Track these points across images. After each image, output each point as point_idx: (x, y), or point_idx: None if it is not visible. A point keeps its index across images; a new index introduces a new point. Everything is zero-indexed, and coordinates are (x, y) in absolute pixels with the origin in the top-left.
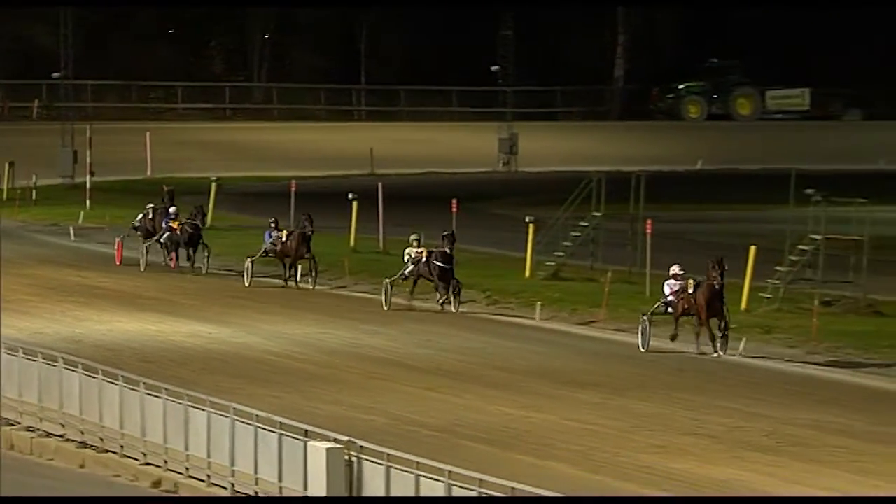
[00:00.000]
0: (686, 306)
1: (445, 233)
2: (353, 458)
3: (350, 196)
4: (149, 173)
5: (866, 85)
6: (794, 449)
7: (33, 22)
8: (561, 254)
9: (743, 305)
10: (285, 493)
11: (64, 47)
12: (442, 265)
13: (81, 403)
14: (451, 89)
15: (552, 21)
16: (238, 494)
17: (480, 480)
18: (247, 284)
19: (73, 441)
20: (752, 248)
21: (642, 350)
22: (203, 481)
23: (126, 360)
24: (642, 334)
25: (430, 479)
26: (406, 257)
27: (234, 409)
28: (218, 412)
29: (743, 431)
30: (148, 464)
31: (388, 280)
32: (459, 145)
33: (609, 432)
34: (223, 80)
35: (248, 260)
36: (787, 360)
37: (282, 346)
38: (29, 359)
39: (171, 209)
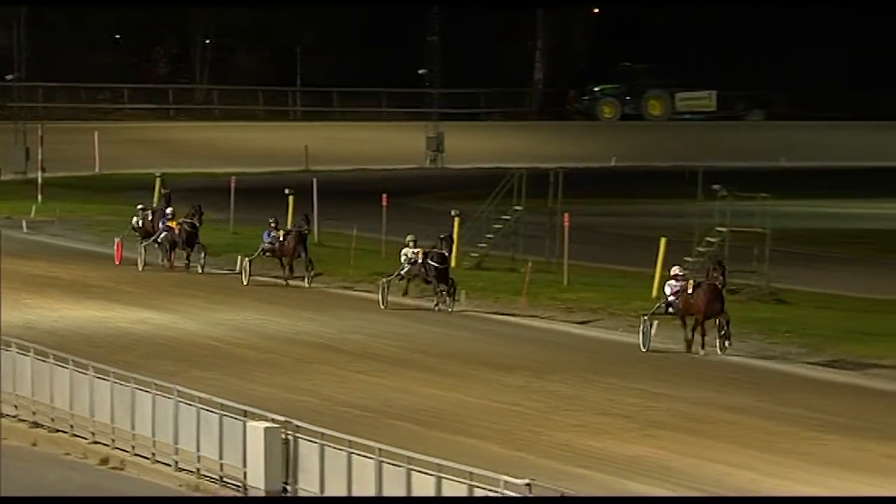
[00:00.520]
0: (684, 306)
1: (442, 235)
2: (290, 437)
3: (286, 191)
4: (97, 170)
5: (768, 87)
6: (701, 427)
7: None
8: (484, 245)
9: (654, 293)
10: (225, 470)
11: (17, 51)
12: (437, 266)
13: (33, 386)
14: (381, 91)
15: (476, 27)
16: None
17: (409, 458)
18: (245, 283)
19: (25, 421)
20: (663, 240)
21: (643, 350)
22: (148, 459)
23: (76, 345)
24: (643, 335)
25: (362, 456)
26: (402, 257)
27: (178, 391)
28: (162, 394)
29: (652, 411)
30: (96, 442)
31: (384, 280)
32: (389, 144)
33: (530, 412)
34: (167, 83)
35: (246, 259)
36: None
37: (223, 332)
38: None
39: (168, 210)
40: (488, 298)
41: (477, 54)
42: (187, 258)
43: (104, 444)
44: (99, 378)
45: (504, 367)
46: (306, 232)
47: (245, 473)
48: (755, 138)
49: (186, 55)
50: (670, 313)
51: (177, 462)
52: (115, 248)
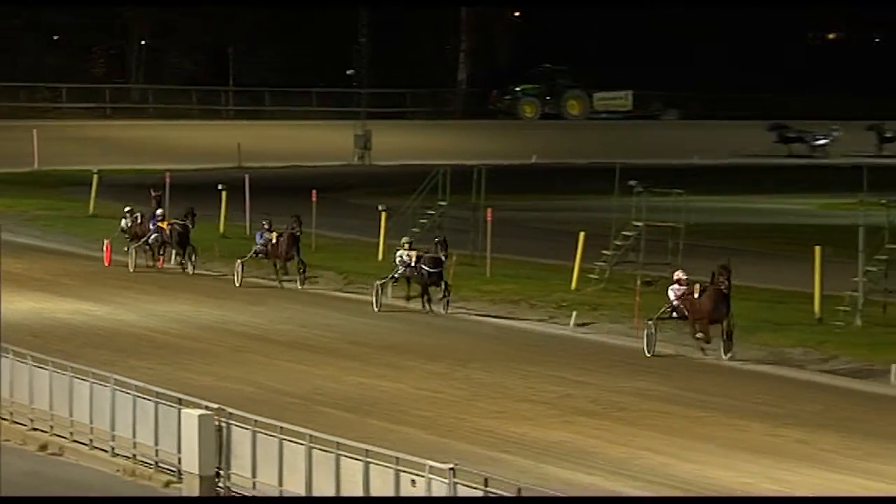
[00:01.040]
0: (690, 310)
1: (437, 238)
2: (223, 424)
3: (219, 187)
4: (36, 166)
5: (682, 88)
6: (618, 413)
7: None
8: (162, 210)
9: (573, 285)
10: (161, 456)
11: None
12: (430, 270)
13: None
14: (311, 91)
15: (403, 28)
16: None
17: (338, 443)
18: (237, 285)
19: None
20: (581, 234)
21: (648, 355)
22: (86, 445)
23: (16, 336)
24: (647, 339)
25: (293, 442)
26: (397, 259)
27: (115, 379)
28: (99, 382)
29: (572, 398)
30: (35, 429)
31: (378, 282)
32: (319, 141)
33: (454, 400)
34: (104, 82)
35: (239, 261)
36: (612, 334)
37: (158, 323)
38: None
39: (158, 211)
40: (414, 290)
41: (404, 55)
42: (181, 259)
43: (43, 431)
44: (38, 367)
45: (428, 356)
46: (299, 234)
47: (180, 459)
48: (670, 137)
49: (123, 56)
50: (675, 317)
51: (113, 448)
52: (105, 249)
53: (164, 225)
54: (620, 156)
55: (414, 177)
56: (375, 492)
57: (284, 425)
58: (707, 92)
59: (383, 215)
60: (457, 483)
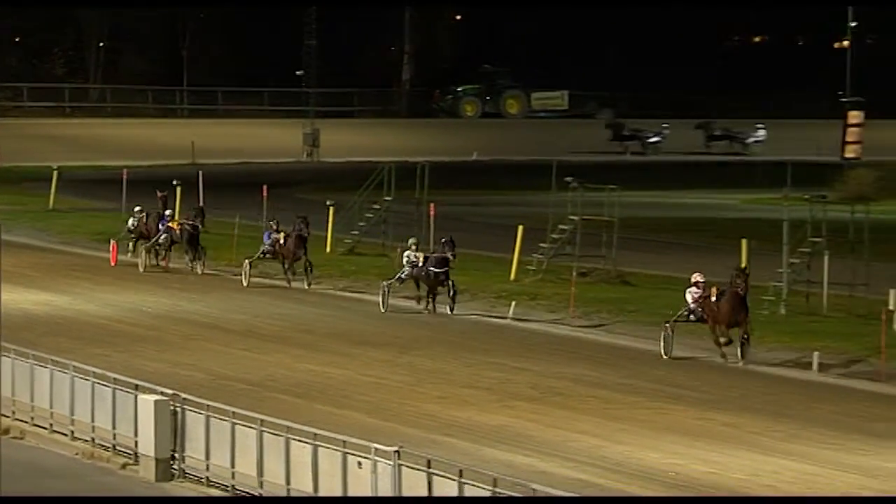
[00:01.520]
0: (708, 313)
1: (444, 238)
2: (178, 409)
3: (174, 182)
4: None
5: (615, 88)
6: (555, 398)
7: None
8: (356, 232)
9: (512, 276)
10: (118, 439)
11: None
12: (437, 270)
13: None
14: (262, 90)
15: (349, 30)
16: (100, 448)
17: (288, 427)
18: (245, 285)
19: None
20: (520, 228)
21: (665, 357)
22: (46, 429)
23: None
24: (664, 341)
25: (245, 426)
26: (404, 260)
27: (74, 366)
28: (59, 369)
29: (511, 384)
30: None
31: (385, 283)
32: (269, 139)
33: (398, 385)
34: (64, 82)
35: (246, 261)
36: (550, 323)
37: (115, 312)
38: None
39: (167, 212)
40: (360, 282)
41: (351, 57)
42: (191, 259)
43: (5, 416)
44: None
45: (374, 343)
46: (306, 234)
47: (136, 442)
48: (604, 135)
49: (82, 57)
50: (692, 320)
51: (73, 432)
52: (111, 249)
53: (174, 225)
54: (557, 153)
55: (360, 173)
56: (323, 474)
57: (237, 410)
58: (639, 92)
59: (331, 210)
60: (401, 465)
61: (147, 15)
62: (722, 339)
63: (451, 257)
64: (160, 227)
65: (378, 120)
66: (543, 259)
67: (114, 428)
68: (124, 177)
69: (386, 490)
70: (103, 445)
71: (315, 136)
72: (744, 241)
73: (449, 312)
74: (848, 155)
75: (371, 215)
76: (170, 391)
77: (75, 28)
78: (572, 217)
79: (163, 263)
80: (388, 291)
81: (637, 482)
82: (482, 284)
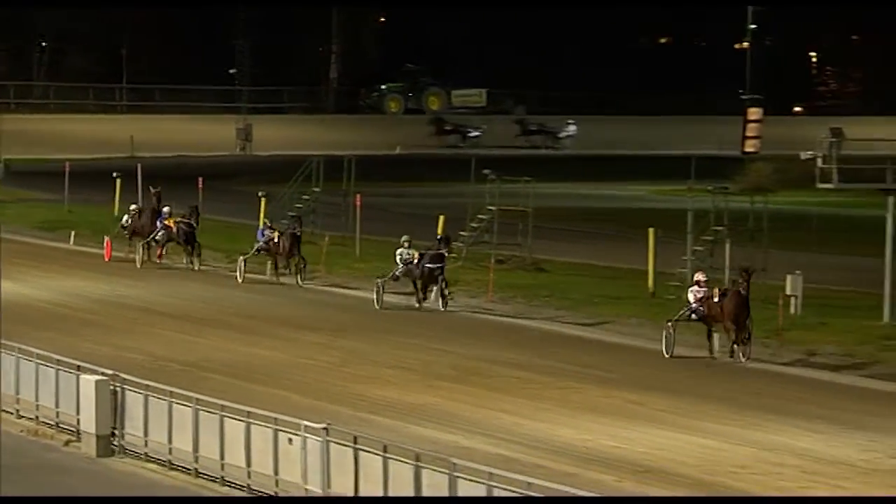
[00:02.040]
0: (710, 313)
1: (440, 236)
2: (118, 388)
3: (114, 174)
4: None
5: (529, 86)
6: (476, 378)
7: None
8: (286, 221)
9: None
10: (61, 417)
11: None
12: (431, 266)
13: None
14: (197, 88)
15: (280, 31)
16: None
17: (223, 406)
18: (240, 281)
19: None
20: (441, 218)
21: (666, 356)
22: None
23: None
24: (666, 340)
25: (181, 404)
26: (397, 258)
27: (19, 348)
28: (5, 352)
29: (435, 365)
30: None
31: (379, 280)
32: (204, 133)
33: (328, 366)
34: (8, 80)
35: (241, 258)
36: (470, 307)
37: (58, 298)
38: None
39: (165, 209)
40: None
41: (281, 56)
42: (190, 255)
43: None
44: None
45: (305, 327)
46: (299, 233)
47: (78, 420)
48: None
49: (26, 55)
50: (694, 319)
51: (18, 410)
52: (105, 245)
53: (171, 223)
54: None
55: (290, 166)
56: (256, 449)
57: (174, 389)
58: (553, 89)
59: (262, 201)
60: (329, 441)
61: (87, 15)
62: (731, 337)
63: (445, 254)
64: (158, 223)
65: (307, 116)
66: (463, 247)
67: (57, 406)
68: (66, 169)
69: (315, 465)
70: (47, 423)
71: (248, 130)
72: (651, 230)
73: (441, 309)
74: (748, 149)
75: (301, 205)
76: (110, 371)
77: (19, 28)
78: (490, 207)
79: (157, 259)
80: (383, 289)
81: (552, 456)
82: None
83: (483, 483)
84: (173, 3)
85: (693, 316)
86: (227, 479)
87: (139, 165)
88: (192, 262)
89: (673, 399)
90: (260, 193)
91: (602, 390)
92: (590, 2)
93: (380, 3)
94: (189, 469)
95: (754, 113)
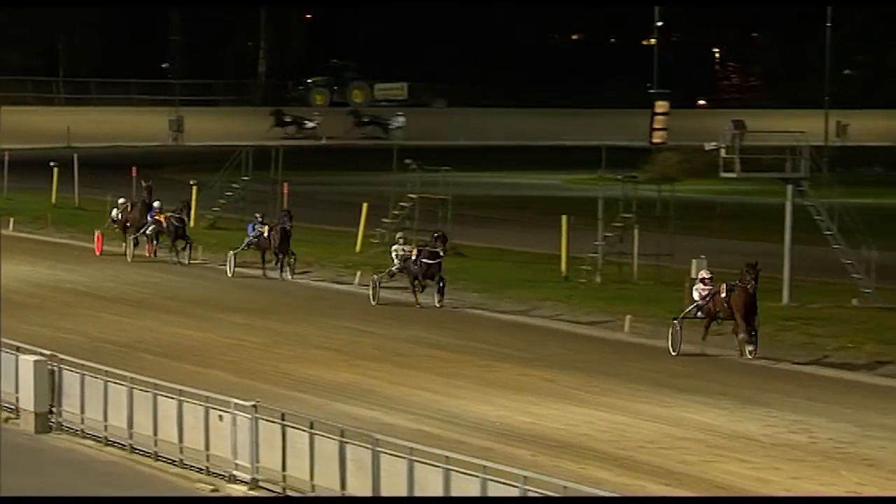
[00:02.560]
0: (717, 310)
1: (437, 233)
2: (55, 368)
3: (51, 164)
4: None
5: (449, 80)
6: (397, 358)
7: None
8: (217, 209)
9: (357, 248)
10: (2, 397)
11: None
12: (428, 261)
13: None
14: (132, 81)
15: (211, 27)
16: None
17: (156, 384)
18: (229, 275)
19: None
20: (365, 205)
21: (673, 354)
22: None
23: None
24: (672, 338)
25: (116, 383)
26: (393, 254)
27: None
28: None
29: (358, 345)
30: None
31: (375, 276)
32: (138, 125)
33: (256, 346)
34: None
35: (231, 252)
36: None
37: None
38: None
39: (155, 203)
40: (220, 253)
41: (212, 51)
42: (179, 249)
43: None
44: None
45: (233, 309)
46: (289, 228)
47: (17, 398)
48: (439, 121)
49: None
50: (700, 317)
51: None
52: (96, 239)
53: (161, 217)
54: (398, 137)
55: (221, 156)
56: (188, 426)
57: (109, 369)
58: (472, 83)
59: (194, 188)
60: (258, 418)
61: (24, 11)
62: (741, 337)
63: (441, 252)
64: (148, 217)
65: (237, 108)
66: (386, 233)
67: None
68: (6, 159)
69: (244, 441)
70: None
71: (180, 122)
72: (564, 217)
73: (437, 305)
74: (655, 140)
75: (231, 193)
76: (48, 352)
77: None
78: (411, 195)
79: (148, 254)
80: (379, 284)
81: (470, 432)
82: (330, 256)
83: (405, 458)
84: (110, 2)
85: (699, 313)
86: (160, 454)
87: (76, 155)
88: (181, 257)
89: (585, 377)
90: (191, 182)
91: (518, 369)
92: (508, 1)
93: (306, 1)
94: (124, 445)
95: (661, 106)
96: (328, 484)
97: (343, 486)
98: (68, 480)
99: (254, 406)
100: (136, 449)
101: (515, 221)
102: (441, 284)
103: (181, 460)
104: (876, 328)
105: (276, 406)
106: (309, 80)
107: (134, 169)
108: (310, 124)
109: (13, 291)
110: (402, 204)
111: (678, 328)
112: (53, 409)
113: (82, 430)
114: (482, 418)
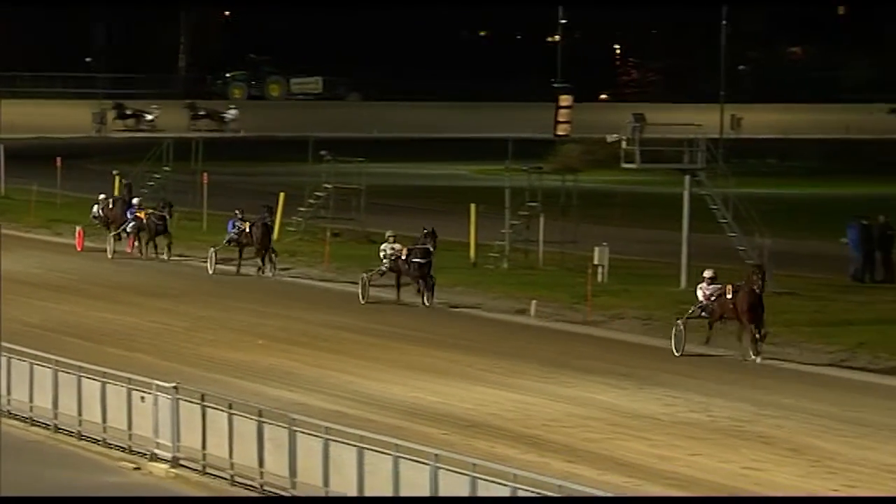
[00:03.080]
0: (723, 311)
1: (426, 230)
2: None
3: None
4: None
5: (362, 75)
6: (315, 341)
7: None
8: (140, 198)
9: (275, 236)
10: None
11: None
12: (420, 261)
13: None
14: (58, 75)
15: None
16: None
17: (80, 367)
18: (210, 272)
19: None
20: (282, 195)
21: (676, 354)
22: None
23: None
24: (676, 338)
25: (41, 366)
26: (381, 254)
27: None
28: None
29: (277, 329)
30: None
31: (364, 275)
32: (63, 117)
33: (178, 330)
34: None
35: (212, 249)
36: (308, 276)
37: None
38: None
39: (135, 200)
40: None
41: (135, 46)
42: (155, 247)
43: None
44: None
45: (157, 294)
46: (270, 223)
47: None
48: (353, 114)
49: None
50: (704, 317)
51: None
52: (77, 236)
53: (142, 215)
54: (313, 130)
55: (143, 147)
56: (111, 406)
57: (34, 352)
58: (384, 78)
59: (117, 178)
60: (179, 399)
61: None
62: (745, 338)
63: (431, 249)
64: (128, 214)
65: (159, 101)
66: (301, 221)
67: None
68: None
69: (165, 421)
70: None
71: (103, 114)
72: (472, 206)
73: (427, 304)
74: (559, 132)
75: (152, 183)
76: None
77: None
78: (326, 185)
79: (128, 250)
80: (368, 283)
81: (383, 411)
82: None
83: (320, 437)
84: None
85: (703, 314)
86: (83, 433)
87: (1, 146)
88: (157, 253)
89: (494, 359)
90: (114, 172)
91: (429, 351)
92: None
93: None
94: (48, 425)
95: (565, 100)
96: (247, 462)
97: (261, 464)
98: None
99: (174, 387)
100: (61, 429)
101: (426, 210)
102: (431, 283)
103: (104, 439)
104: (769, 312)
105: (197, 387)
106: (228, 75)
107: (58, 160)
108: (149, 116)
109: None
110: (317, 193)
111: (682, 329)
112: None
113: (8, 412)
114: (394, 398)
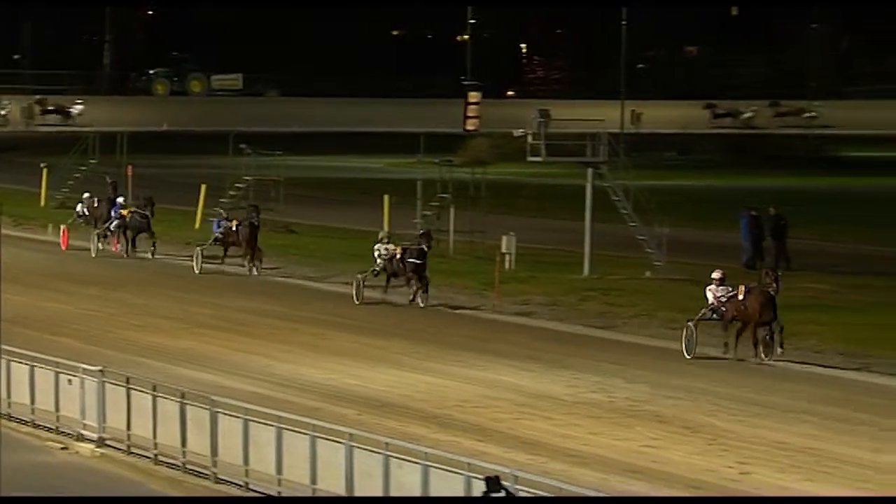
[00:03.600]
0: (735, 312)
1: (422, 231)
2: None
3: None
4: None
5: (283, 71)
6: (235, 326)
7: None
8: (66, 190)
9: (197, 226)
10: None
11: None
12: (415, 261)
13: None
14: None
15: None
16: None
17: (9, 351)
18: (196, 272)
19: None
20: (203, 186)
21: (688, 357)
22: None
23: None
24: (687, 342)
25: None
26: (375, 253)
27: None
28: None
29: (199, 315)
30: None
31: (359, 275)
32: None
33: (105, 316)
34: None
35: (198, 248)
36: (233, 265)
37: None
38: None
39: (119, 199)
40: (72, 231)
41: (61, 44)
42: (133, 244)
43: None
44: None
45: (88, 282)
46: (256, 223)
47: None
48: (271, 110)
49: None
50: (716, 319)
51: None
52: (62, 234)
53: (126, 213)
54: (234, 125)
55: (69, 140)
56: (39, 389)
57: None
58: (302, 75)
59: (44, 171)
60: (105, 381)
61: None
62: (755, 339)
63: (426, 249)
64: (112, 213)
65: (85, 97)
66: (223, 212)
67: None
68: None
69: (92, 402)
70: None
71: (31, 109)
72: (386, 197)
73: (422, 304)
74: (469, 127)
75: (78, 175)
76: None
77: None
78: (246, 177)
79: (113, 248)
80: (363, 284)
81: (301, 393)
82: (172, 233)
83: (240, 417)
84: None
85: (714, 315)
86: (13, 415)
87: None
88: (134, 250)
89: (411, 344)
90: (41, 165)
91: (349, 336)
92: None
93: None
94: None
95: (474, 96)
96: (170, 442)
97: (184, 444)
98: None
99: (101, 370)
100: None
101: (342, 201)
102: (425, 283)
103: (33, 421)
104: (667, 297)
105: (122, 370)
106: (151, 71)
107: None
108: (73, 111)
109: None
110: (237, 185)
111: (693, 331)
112: None
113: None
114: (312, 381)
